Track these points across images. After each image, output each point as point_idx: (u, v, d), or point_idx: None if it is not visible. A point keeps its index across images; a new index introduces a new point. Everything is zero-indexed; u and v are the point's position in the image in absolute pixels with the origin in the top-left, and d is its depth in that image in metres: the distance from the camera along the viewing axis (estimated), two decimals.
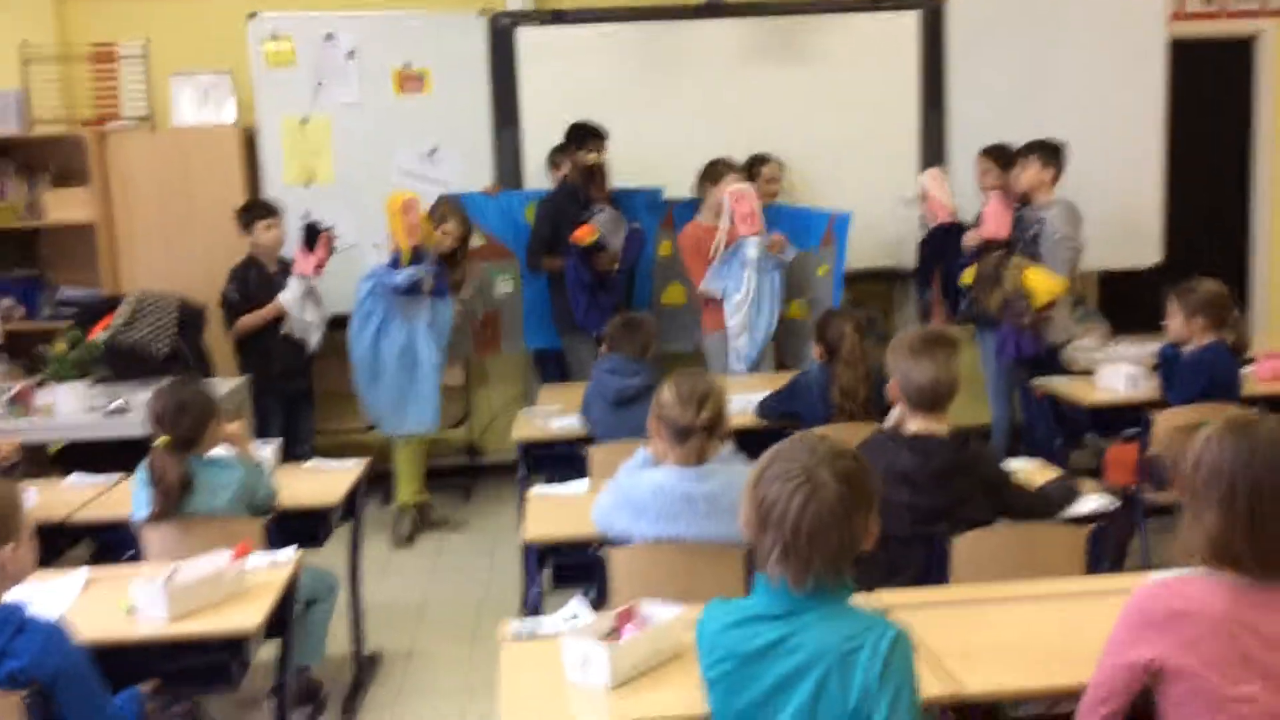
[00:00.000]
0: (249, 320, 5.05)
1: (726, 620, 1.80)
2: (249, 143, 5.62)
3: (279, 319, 5.07)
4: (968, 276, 5.02)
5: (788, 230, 5.18)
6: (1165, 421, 3.63)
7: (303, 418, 5.29)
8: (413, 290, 4.83)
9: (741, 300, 4.92)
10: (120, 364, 4.78)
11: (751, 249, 4.90)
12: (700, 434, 2.64)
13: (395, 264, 4.83)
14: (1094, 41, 5.79)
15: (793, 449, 1.76)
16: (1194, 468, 1.76)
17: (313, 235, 5.03)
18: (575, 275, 5.10)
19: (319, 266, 5.05)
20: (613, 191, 5.25)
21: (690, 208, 5.44)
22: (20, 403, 4.34)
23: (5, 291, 5.54)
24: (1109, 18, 5.79)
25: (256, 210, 5.15)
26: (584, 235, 5.03)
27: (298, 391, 5.24)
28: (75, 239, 5.56)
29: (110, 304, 5.11)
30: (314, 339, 5.16)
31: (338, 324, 5.23)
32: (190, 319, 5.05)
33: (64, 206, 5.49)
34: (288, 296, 5.03)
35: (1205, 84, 6.24)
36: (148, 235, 5.55)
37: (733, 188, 4.93)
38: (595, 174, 5.15)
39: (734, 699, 1.77)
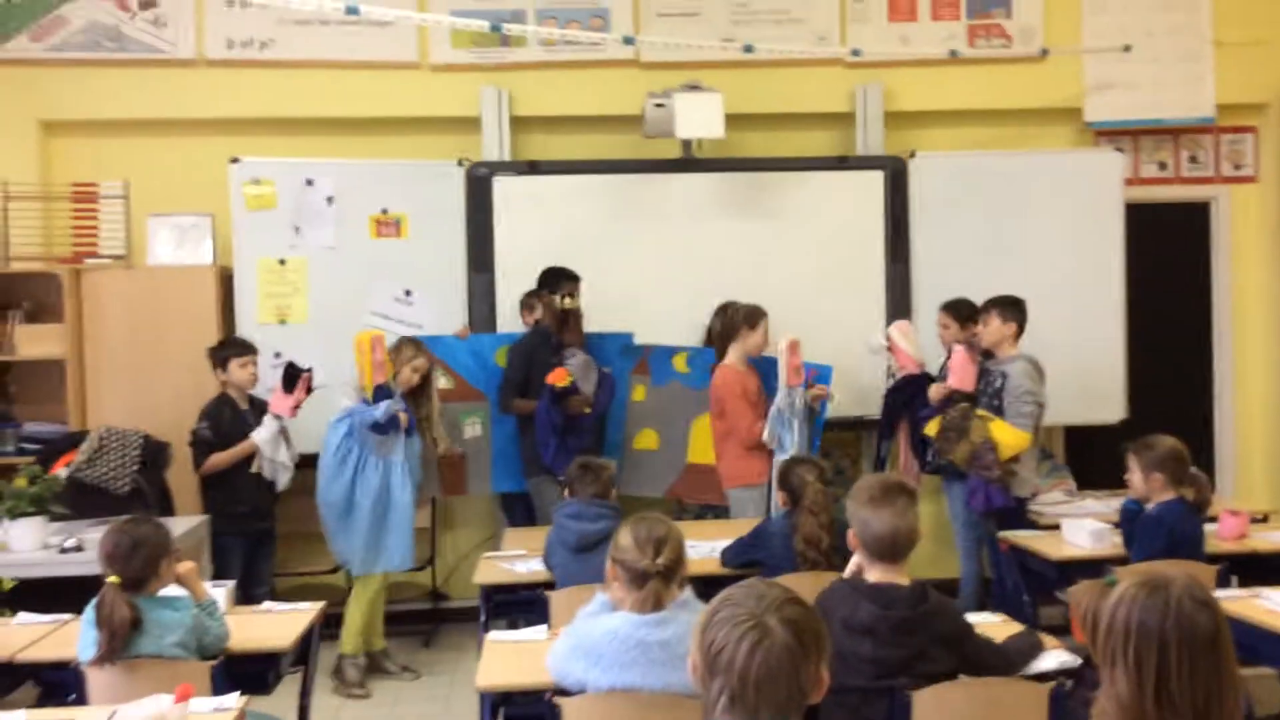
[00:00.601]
0: (220, 458, 5.03)
1: None
2: (225, 282, 5.69)
3: (249, 458, 5.05)
4: (931, 428, 5.09)
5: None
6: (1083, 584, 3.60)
7: (264, 558, 5.21)
8: (390, 426, 4.84)
9: (795, 451, 4.91)
10: (80, 500, 4.74)
11: (798, 399, 4.98)
12: (657, 579, 2.62)
13: (366, 403, 4.86)
14: (1054, 203, 6.00)
15: (742, 594, 1.75)
16: (1106, 629, 1.71)
17: (292, 377, 5.06)
18: (546, 417, 5.13)
19: (296, 407, 5.06)
20: (585, 336, 5.35)
21: (667, 355, 5.53)
22: None
23: None
24: (1068, 181, 6.02)
25: (233, 348, 5.18)
26: (558, 378, 5.08)
27: (261, 531, 5.17)
28: (45, 374, 5.56)
29: (74, 440, 5.09)
30: (283, 479, 5.14)
31: (304, 464, 5.21)
32: (153, 456, 5.03)
33: (36, 342, 5.51)
34: (262, 435, 5.02)
35: (1165, 245, 6.45)
36: (117, 372, 5.56)
37: (791, 338, 5.02)
38: (569, 318, 5.25)
39: None
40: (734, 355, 5.18)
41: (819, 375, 5.18)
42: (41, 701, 3.28)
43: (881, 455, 5.57)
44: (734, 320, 5.19)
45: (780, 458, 4.89)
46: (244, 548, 5.06)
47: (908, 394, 5.40)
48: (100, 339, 5.56)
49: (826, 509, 3.69)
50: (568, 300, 5.24)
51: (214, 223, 5.70)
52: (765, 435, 5.01)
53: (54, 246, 5.69)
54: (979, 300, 5.23)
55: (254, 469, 5.05)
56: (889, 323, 5.74)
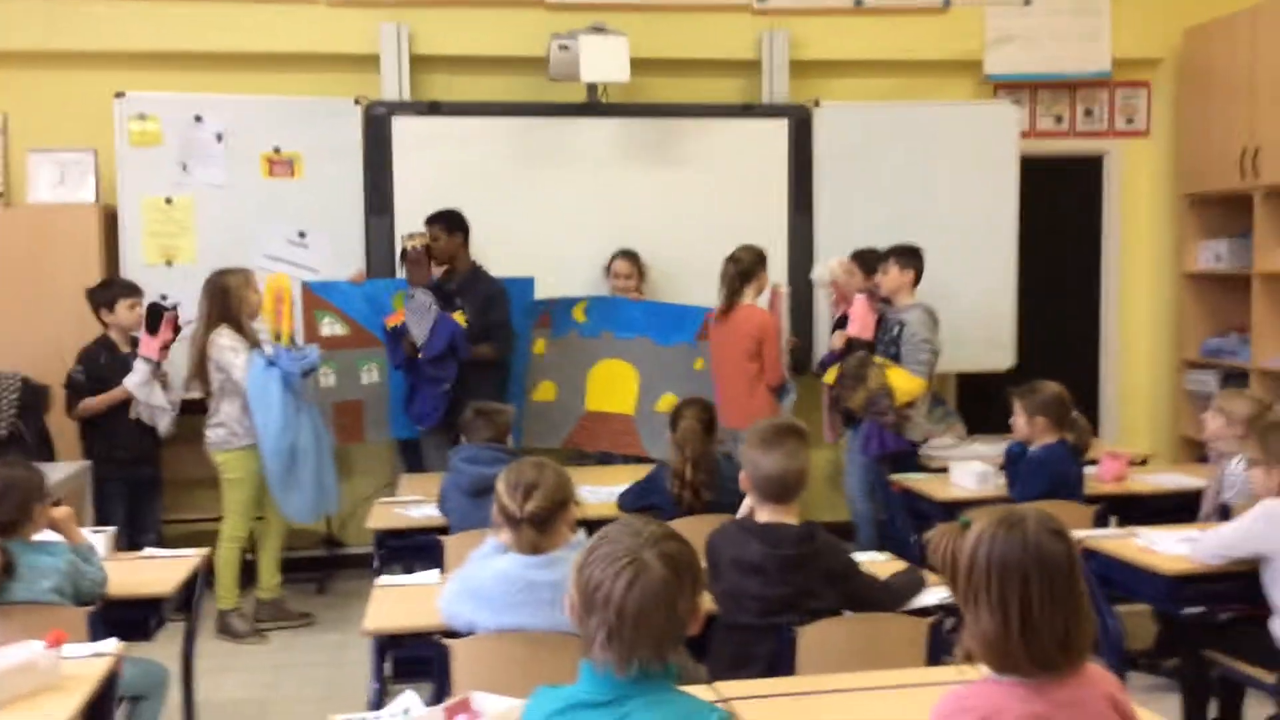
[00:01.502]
0: (92, 403, 4.90)
1: (552, 708, 1.76)
2: (109, 222, 5.48)
3: (128, 402, 4.90)
4: (830, 376, 5.16)
5: (655, 325, 5.27)
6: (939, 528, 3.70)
7: (148, 503, 5.10)
8: (312, 372, 4.81)
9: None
10: None
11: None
12: (528, 525, 2.60)
13: (288, 351, 4.76)
14: (953, 153, 6.08)
15: (619, 532, 1.75)
16: (967, 568, 1.72)
17: (156, 316, 4.92)
18: (391, 362, 5.24)
19: (164, 348, 4.92)
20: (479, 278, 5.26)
21: (567, 306, 5.49)
22: None
23: None
24: (966, 132, 6.10)
25: (120, 288, 5.03)
26: (390, 320, 5.15)
27: (144, 478, 5.06)
28: None
29: None
30: (163, 423, 5.02)
31: (188, 409, 5.09)
32: (32, 400, 4.87)
33: None
34: (133, 380, 4.89)
35: (1059, 198, 6.60)
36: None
37: (781, 286, 5.12)
38: (409, 259, 5.17)
39: None
40: (752, 296, 5.17)
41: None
42: None
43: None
44: (750, 262, 5.15)
45: (785, 404, 5.04)
46: (127, 493, 4.96)
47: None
48: None
49: (694, 443, 3.69)
50: (410, 242, 5.15)
51: (97, 160, 5.48)
52: (787, 379, 5.13)
53: None
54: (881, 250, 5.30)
55: (133, 415, 4.93)
56: (791, 275, 5.79)
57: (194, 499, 5.64)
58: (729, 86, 6.23)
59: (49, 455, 4.86)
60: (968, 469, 4.41)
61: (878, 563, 3.26)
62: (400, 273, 5.49)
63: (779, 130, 6.00)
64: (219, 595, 4.96)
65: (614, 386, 5.50)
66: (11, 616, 2.87)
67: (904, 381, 4.92)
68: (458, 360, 5.10)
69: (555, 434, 5.54)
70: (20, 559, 2.91)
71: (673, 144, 5.92)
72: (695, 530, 2.50)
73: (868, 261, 5.37)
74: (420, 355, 5.09)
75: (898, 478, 4.71)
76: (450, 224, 5.27)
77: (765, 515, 2.81)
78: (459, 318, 5.11)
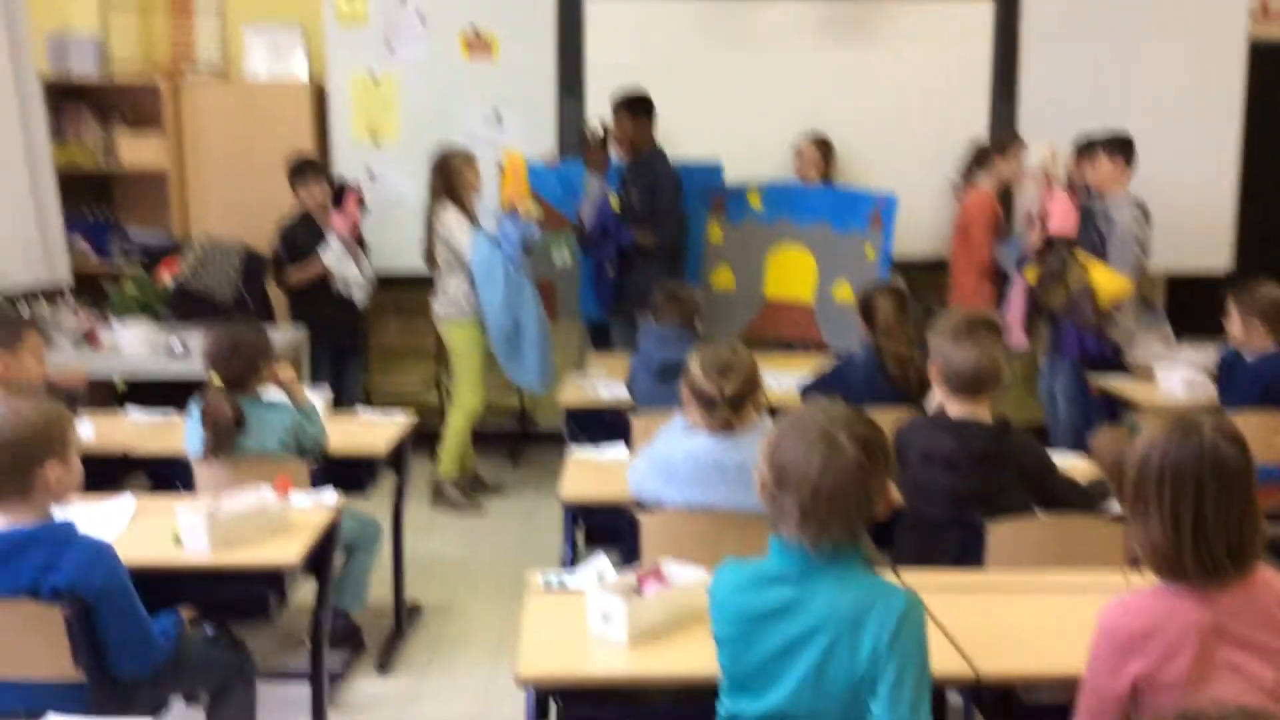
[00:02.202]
0: (293, 275, 5.18)
1: (738, 581, 1.83)
2: (319, 98, 5.73)
3: (330, 275, 5.18)
4: (1031, 274, 4.98)
5: (832, 210, 5.19)
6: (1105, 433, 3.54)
7: (350, 372, 5.41)
8: (527, 246, 4.93)
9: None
10: (186, 307, 4.94)
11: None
12: (724, 405, 2.65)
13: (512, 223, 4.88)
14: (1173, 38, 5.68)
15: (810, 413, 1.79)
16: (1137, 473, 1.69)
17: (339, 195, 5.14)
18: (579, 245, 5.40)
19: (355, 225, 5.15)
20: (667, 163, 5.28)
21: (741, 192, 5.44)
22: (88, 339, 4.49)
23: (77, 232, 5.71)
24: (1190, 15, 5.68)
25: (296, 174, 5.22)
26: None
27: (345, 346, 5.36)
28: (147, 184, 5.73)
29: (177, 248, 5.26)
30: (359, 296, 5.27)
31: (387, 282, 5.32)
32: (254, 267, 5.20)
33: (138, 152, 5.64)
34: (327, 255, 5.14)
35: None
36: (216, 184, 5.69)
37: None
38: (591, 144, 5.18)
39: (742, 659, 1.81)
40: (986, 182, 5.24)
41: (885, 205, 5.07)
42: (152, 492, 3.49)
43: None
44: (986, 147, 5.15)
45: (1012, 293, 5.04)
46: (330, 360, 5.25)
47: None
48: (200, 151, 5.69)
49: (903, 328, 3.65)
50: (586, 129, 5.19)
51: (306, 36, 5.69)
52: (999, 254, 5.17)
53: (155, 54, 5.75)
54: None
55: (333, 287, 5.19)
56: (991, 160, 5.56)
57: (397, 367, 5.95)
58: None
59: (270, 320, 5.19)
60: (1175, 375, 4.23)
61: (1076, 466, 3.18)
62: None
63: (983, 8, 5.72)
64: (441, 462, 5.17)
65: (792, 274, 5.46)
66: (241, 466, 3.14)
67: (1109, 281, 4.71)
68: (618, 244, 5.13)
69: (734, 321, 5.54)
70: (250, 413, 3.17)
71: (870, 25, 5.73)
72: (890, 420, 2.49)
73: (1080, 150, 5.12)
74: (589, 236, 5.18)
75: (1098, 381, 4.55)
76: (633, 107, 5.22)
77: (956, 409, 2.77)
78: (613, 200, 5.14)
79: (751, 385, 2.70)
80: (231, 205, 5.66)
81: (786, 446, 1.75)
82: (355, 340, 5.46)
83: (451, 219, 4.91)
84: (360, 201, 5.19)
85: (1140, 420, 1.72)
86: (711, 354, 2.71)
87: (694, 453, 2.67)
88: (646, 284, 4.78)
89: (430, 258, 5.04)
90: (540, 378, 5.03)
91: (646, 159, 5.22)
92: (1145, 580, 1.75)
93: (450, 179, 4.94)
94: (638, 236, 5.13)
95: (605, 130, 5.18)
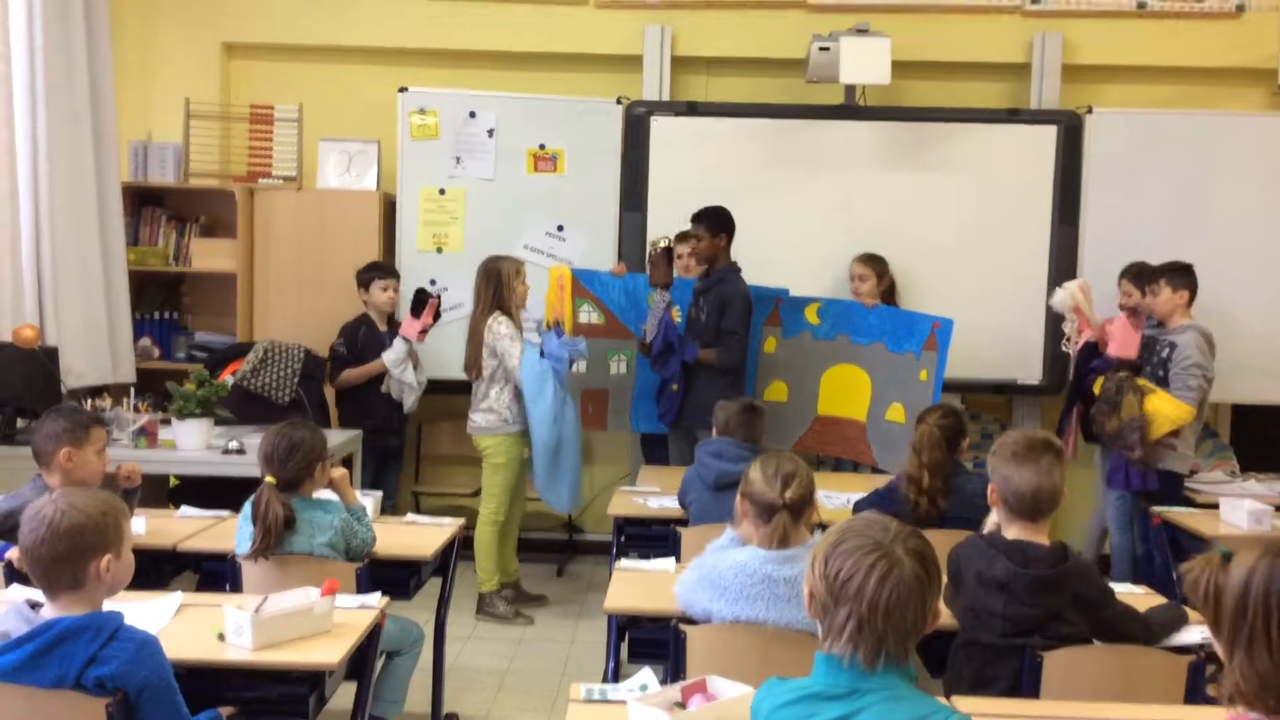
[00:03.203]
0: (351, 373, 5.28)
1: (785, 698, 1.79)
2: (387, 208, 5.90)
3: (381, 377, 5.26)
4: (1098, 385, 4.91)
5: (889, 331, 5.18)
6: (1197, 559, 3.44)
7: (391, 473, 5.49)
8: (570, 362, 4.98)
9: None
10: (244, 407, 5.03)
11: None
12: (784, 513, 2.64)
13: (557, 338, 4.94)
14: (1240, 168, 5.69)
15: (865, 526, 1.77)
16: (1237, 602, 1.62)
17: (421, 301, 5.24)
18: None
19: (423, 331, 5.25)
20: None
21: (799, 305, 5.47)
22: (146, 434, 4.58)
23: (145, 332, 5.87)
24: (1252, 146, 5.70)
25: (376, 270, 5.42)
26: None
27: (389, 449, 5.43)
28: (216, 286, 5.90)
29: (241, 350, 5.39)
30: (409, 400, 5.36)
31: (435, 389, 5.39)
32: (313, 370, 5.31)
33: (209, 255, 5.83)
34: (391, 356, 5.24)
35: None
36: (283, 288, 5.85)
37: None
38: (650, 259, 5.22)
39: None
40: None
41: (941, 328, 5.04)
42: (199, 590, 3.51)
43: (1066, 425, 5.36)
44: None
45: None
46: (373, 461, 5.31)
47: (1087, 362, 5.18)
48: (269, 256, 5.86)
49: (932, 450, 3.60)
50: (661, 241, 5.18)
51: (380, 150, 5.89)
52: None
53: (231, 165, 5.99)
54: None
55: (384, 389, 5.29)
56: (1051, 288, 5.55)
57: (444, 475, 5.99)
58: (993, 91, 6.07)
59: (325, 421, 5.28)
60: (1240, 506, 4.12)
61: (1134, 595, 3.11)
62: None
63: (1046, 137, 5.79)
64: (480, 578, 5.14)
65: (847, 391, 5.44)
66: (289, 565, 3.15)
67: (1170, 407, 4.65)
68: (683, 360, 5.12)
69: (786, 435, 5.51)
70: (301, 514, 3.19)
71: (931, 149, 5.82)
72: (935, 544, 2.45)
73: (1141, 277, 5.10)
74: (650, 352, 5.20)
75: (1159, 510, 4.45)
76: (714, 223, 5.18)
77: (1013, 533, 2.73)
78: (675, 316, 5.17)
79: (810, 496, 2.69)
80: (295, 309, 5.81)
81: (843, 559, 1.73)
82: (399, 444, 5.53)
83: (504, 330, 4.96)
84: (437, 311, 5.30)
85: (1229, 546, 1.65)
86: (774, 461, 2.72)
87: (744, 566, 2.64)
88: (708, 399, 4.78)
89: (474, 366, 5.05)
90: (571, 497, 5.03)
91: (720, 275, 5.19)
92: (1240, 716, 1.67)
93: (500, 288, 5.01)
94: (702, 354, 5.11)
95: (670, 245, 5.22)
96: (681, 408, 5.16)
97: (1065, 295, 5.24)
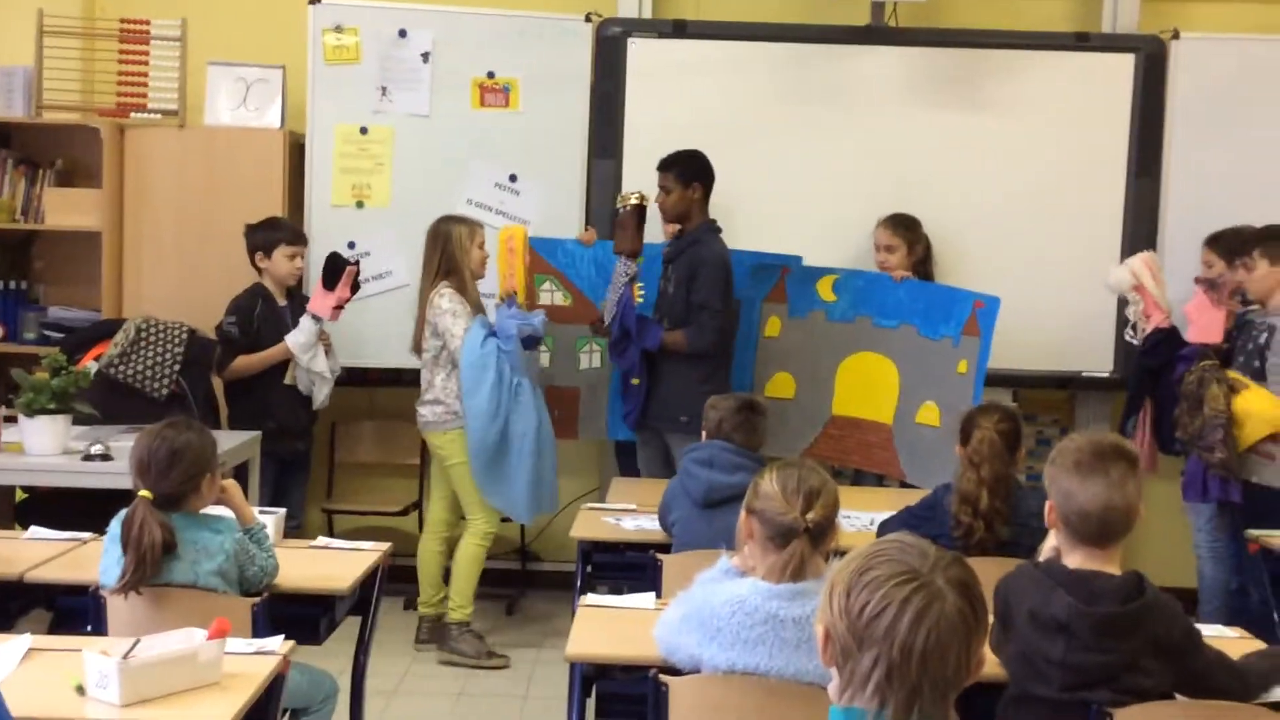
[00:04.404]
0: (246, 360, 5.26)
1: None
2: (294, 151, 5.88)
3: (284, 365, 5.25)
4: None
5: (921, 311, 5.20)
6: None
7: (295, 487, 5.49)
8: (530, 341, 5.00)
9: None
10: (110, 402, 4.99)
11: None
12: (804, 537, 2.64)
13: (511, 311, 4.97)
14: None
15: (898, 550, 1.76)
16: None
17: (336, 269, 5.22)
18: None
19: (338, 308, 5.23)
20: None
21: (810, 277, 5.47)
22: None
23: None
24: None
25: (279, 231, 5.36)
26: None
27: (294, 455, 5.43)
28: (76, 249, 5.86)
29: (107, 329, 5.34)
30: (321, 393, 5.35)
31: (358, 379, 5.42)
32: (199, 355, 5.27)
33: (67, 210, 5.77)
34: (298, 339, 5.22)
35: None
36: (162, 252, 5.81)
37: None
38: (616, 221, 5.24)
39: None
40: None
41: (984, 308, 5.06)
42: (53, 630, 3.49)
43: (1127, 432, 5.40)
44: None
45: None
46: (274, 471, 5.30)
47: (1163, 355, 5.19)
48: (143, 210, 5.82)
49: (993, 460, 3.63)
50: (620, 200, 5.22)
51: (284, 77, 5.86)
52: None
53: (95, 95, 5.93)
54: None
55: (287, 379, 5.27)
56: (1126, 255, 5.57)
57: (369, 485, 5.97)
58: (1057, 10, 6.11)
59: (214, 420, 5.26)
60: None
61: (1226, 639, 3.13)
62: None
63: (1122, 68, 5.83)
64: (452, 602, 5.18)
65: (870, 387, 5.45)
66: (168, 600, 3.12)
67: (1268, 406, 4.69)
68: (641, 347, 5.14)
69: (793, 440, 5.52)
70: (183, 535, 3.16)
71: (977, 82, 5.83)
72: (981, 574, 2.47)
73: (1229, 246, 5.14)
74: (605, 327, 5.24)
75: (1257, 534, 4.48)
76: (686, 172, 5.23)
77: (1077, 560, 2.74)
78: (637, 294, 5.19)
79: (835, 517, 2.70)
80: (178, 278, 5.77)
81: (868, 589, 1.72)
82: (307, 449, 5.53)
83: (445, 304, 4.99)
84: (355, 282, 5.28)
85: None
86: (794, 471, 2.71)
87: (743, 602, 2.64)
88: (678, 392, 4.79)
89: (418, 348, 5.10)
90: (527, 504, 5.06)
91: (692, 237, 5.23)
92: None
93: (449, 254, 5.04)
94: (667, 338, 5.13)
95: (643, 200, 5.22)
96: (646, 405, 5.17)
97: (1124, 274, 5.22)
